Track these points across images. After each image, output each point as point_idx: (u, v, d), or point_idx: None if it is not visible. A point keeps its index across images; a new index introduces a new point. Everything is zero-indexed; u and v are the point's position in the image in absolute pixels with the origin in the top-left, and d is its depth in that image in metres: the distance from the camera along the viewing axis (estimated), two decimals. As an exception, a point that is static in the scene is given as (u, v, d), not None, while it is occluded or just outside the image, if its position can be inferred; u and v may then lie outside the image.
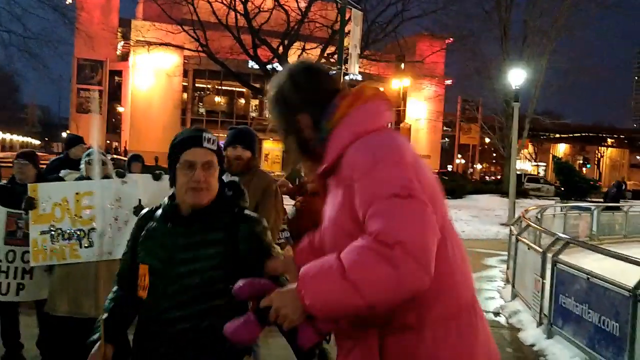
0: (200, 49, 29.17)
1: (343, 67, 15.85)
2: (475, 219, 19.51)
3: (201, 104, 46.78)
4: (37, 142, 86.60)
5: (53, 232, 3.84)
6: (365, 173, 1.50)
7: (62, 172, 4.52)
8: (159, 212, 2.01)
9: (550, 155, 54.11)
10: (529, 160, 70.95)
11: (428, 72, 36.41)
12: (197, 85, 45.46)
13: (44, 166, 5.89)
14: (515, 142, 18.90)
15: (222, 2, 28.31)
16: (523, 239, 7.72)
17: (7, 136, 72.59)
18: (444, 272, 1.52)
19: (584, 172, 50.17)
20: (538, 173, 60.92)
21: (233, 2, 28.57)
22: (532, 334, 6.14)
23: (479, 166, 62.08)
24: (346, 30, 17.38)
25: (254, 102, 46.10)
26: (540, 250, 6.58)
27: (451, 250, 1.59)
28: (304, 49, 28.91)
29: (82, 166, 4.14)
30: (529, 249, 7.16)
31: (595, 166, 73.03)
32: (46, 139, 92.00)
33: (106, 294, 2.14)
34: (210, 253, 1.87)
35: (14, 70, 54.09)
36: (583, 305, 5.23)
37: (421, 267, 1.37)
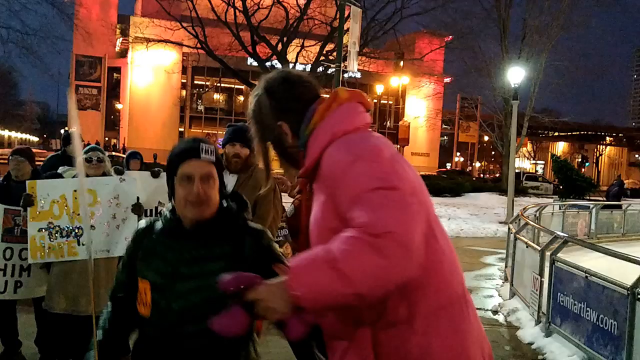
0: (199, 45, 29.07)
1: (342, 65, 15.84)
2: (474, 217, 19.50)
3: (200, 101, 46.74)
4: (35, 138, 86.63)
5: (51, 230, 3.83)
6: (346, 171, 1.52)
7: (61, 169, 4.51)
8: (158, 226, 1.94)
9: (549, 154, 54.15)
10: (528, 158, 71.11)
11: (427, 69, 36.34)
12: (195, 82, 45.40)
13: (41, 163, 5.88)
14: (514, 140, 18.88)
15: (221, -1, 28.28)
16: (522, 237, 7.71)
17: (6, 133, 72.53)
18: (433, 262, 1.55)
19: (583, 170, 50.23)
20: (537, 171, 61.08)
21: (232, -1, 28.53)
22: (530, 332, 6.12)
23: (477, 164, 62.18)
24: (345, 27, 17.36)
25: (253, 100, 46.07)
26: (539, 248, 6.57)
27: (439, 240, 1.61)
28: (302, 46, 28.86)
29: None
30: (527, 247, 7.14)
31: (594, 164, 73.19)
32: (45, 135, 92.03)
33: (104, 292, 2.12)
34: (217, 267, 1.78)
35: (12, 67, 53.93)
36: (581, 303, 5.23)
37: (410, 256, 1.40)
